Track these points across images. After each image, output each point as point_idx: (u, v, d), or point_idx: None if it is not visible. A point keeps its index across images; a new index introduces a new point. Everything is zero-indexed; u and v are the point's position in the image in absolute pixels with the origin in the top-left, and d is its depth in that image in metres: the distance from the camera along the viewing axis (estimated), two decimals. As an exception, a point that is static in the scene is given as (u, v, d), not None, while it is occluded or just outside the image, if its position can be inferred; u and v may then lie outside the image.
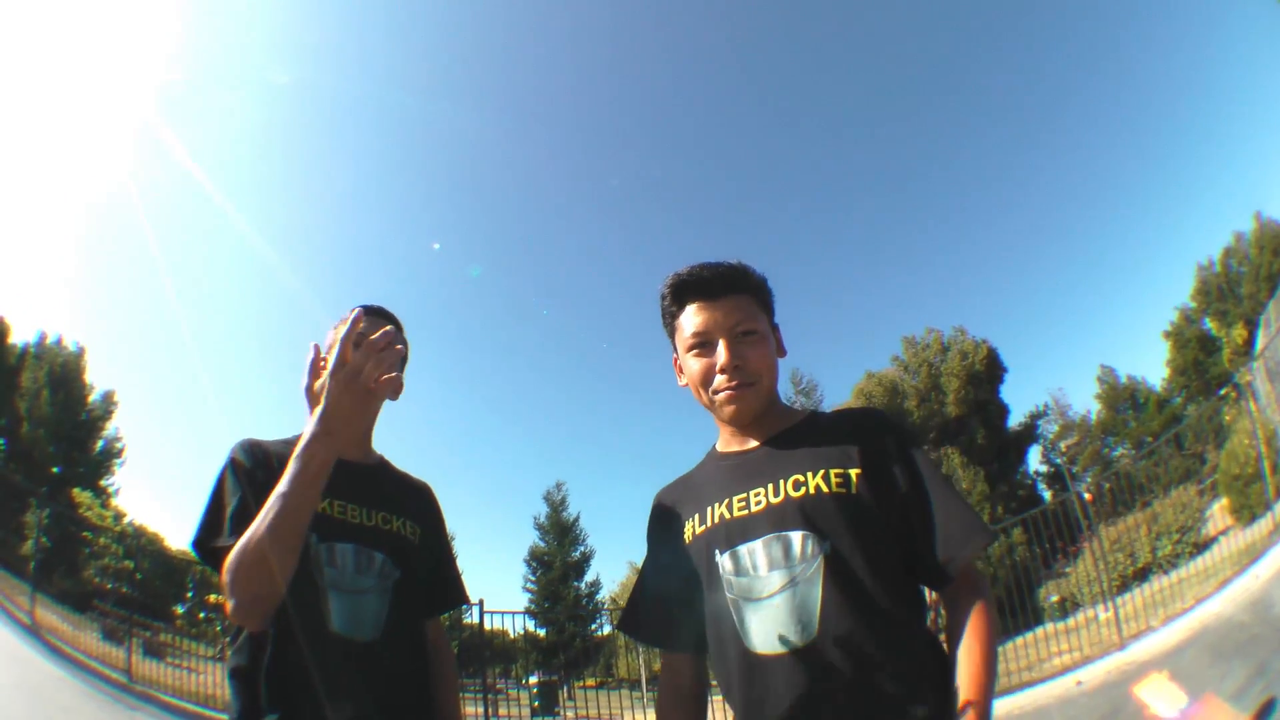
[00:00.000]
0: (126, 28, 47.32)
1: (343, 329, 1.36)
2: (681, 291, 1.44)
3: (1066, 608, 14.26)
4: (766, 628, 1.23)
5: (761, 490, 1.32)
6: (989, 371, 29.27)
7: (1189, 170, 41.15)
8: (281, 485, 1.26)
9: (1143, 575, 12.36)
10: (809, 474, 1.29)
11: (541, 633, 29.83)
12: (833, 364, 61.07)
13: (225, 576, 1.27)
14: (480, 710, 9.42)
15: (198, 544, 1.43)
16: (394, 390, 1.40)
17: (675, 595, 1.42)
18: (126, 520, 27.80)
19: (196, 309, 50.49)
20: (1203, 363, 29.59)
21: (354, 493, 1.55)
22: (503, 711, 11.85)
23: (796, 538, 1.24)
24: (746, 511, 1.31)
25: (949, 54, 47.95)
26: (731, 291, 1.41)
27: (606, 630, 30.00)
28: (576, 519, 34.52)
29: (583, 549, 33.92)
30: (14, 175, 46.55)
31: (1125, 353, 52.00)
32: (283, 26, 51.92)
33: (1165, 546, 12.92)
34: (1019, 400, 34.09)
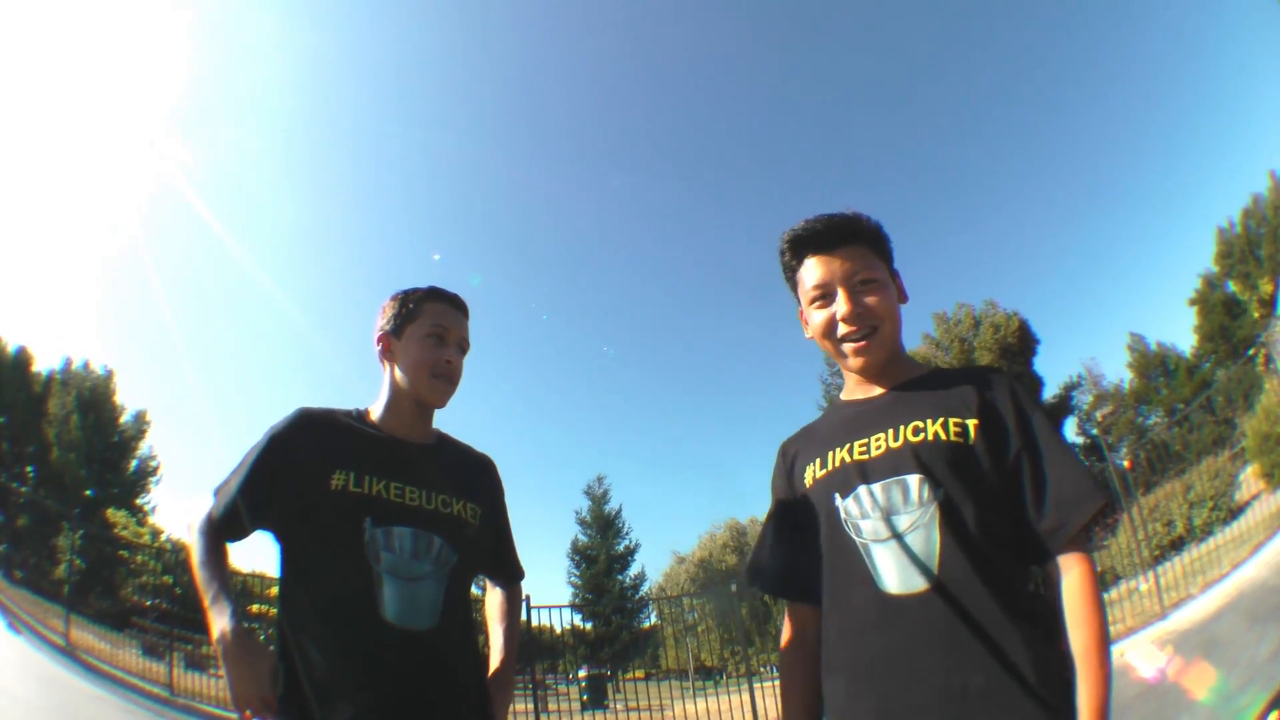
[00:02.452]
0: (141, 58, 47.83)
1: (391, 306, 1.63)
2: (798, 246, 1.46)
3: (1107, 580, 14.08)
4: (895, 569, 1.25)
5: (882, 435, 1.33)
6: (1021, 344, 28.77)
7: (1204, 135, 40.44)
8: (204, 592, 1.41)
9: (1178, 544, 12.20)
10: (928, 420, 1.30)
11: (588, 626, 29.87)
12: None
13: (196, 538, 1.47)
14: (530, 706, 9.44)
15: (219, 489, 1.53)
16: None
17: (800, 544, 1.42)
18: (164, 536, 28.23)
19: (211, 324, 51.04)
20: (1229, 327, 29.14)
21: (413, 474, 1.53)
22: (552, 706, 11.87)
23: (914, 481, 1.26)
24: (867, 455, 1.33)
25: (975, 32, 47.45)
26: (846, 242, 1.42)
27: (652, 621, 30.19)
28: (618, 512, 34.48)
29: (626, 541, 33.89)
30: (30, 202, 47.19)
31: (1153, 319, 51.46)
32: (283, 48, 52.17)
33: (1200, 514, 12.74)
34: (1053, 372, 33.66)
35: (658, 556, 47.89)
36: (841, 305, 1.39)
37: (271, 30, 48.17)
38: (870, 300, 1.39)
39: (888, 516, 1.27)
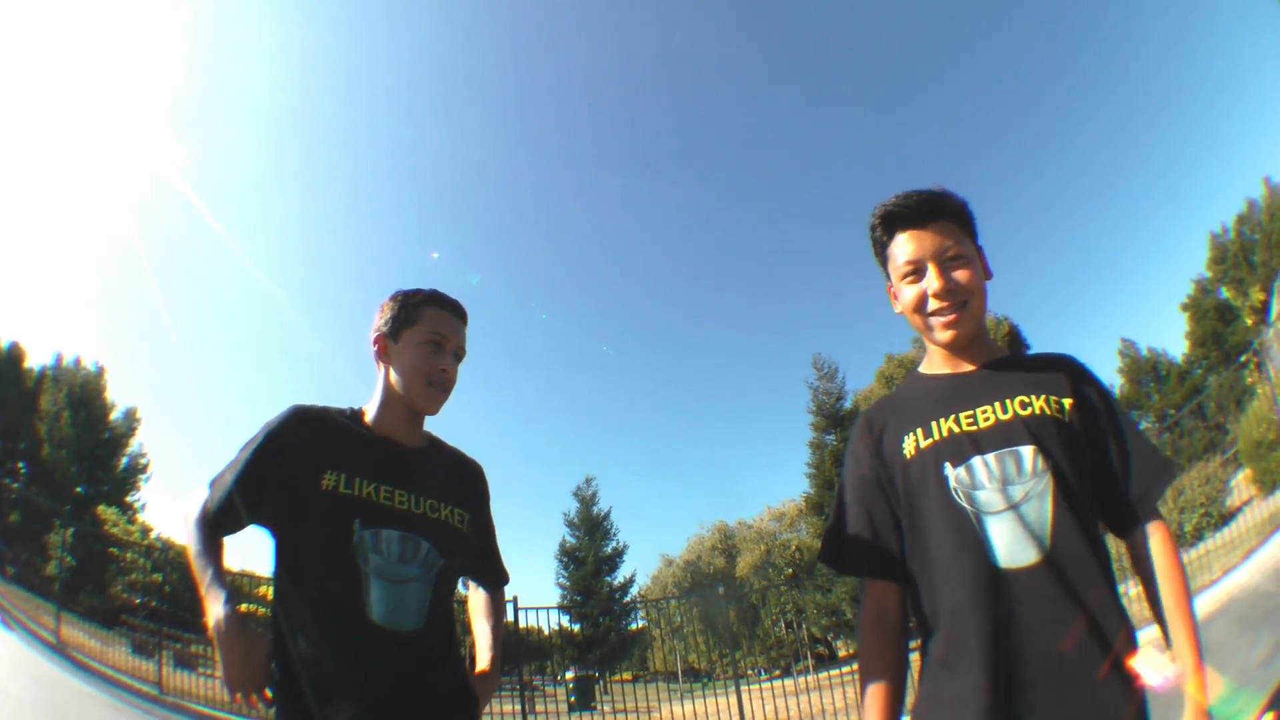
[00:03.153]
0: (134, 56, 47.64)
1: (389, 307, 1.62)
2: (890, 221, 1.47)
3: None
4: (1008, 540, 1.26)
5: (989, 408, 1.35)
6: (1011, 348, 28.46)
7: (1198, 141, 40.65)
8: (199, 580, 1.44)
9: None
10: (1032, 396, 1.34)
11: (576, 628, 29.88)
12: (853, 348, 61.25)
13: (192, 529, 1.49)
14: (517, 708, 9.43)
15: (214, 481, 1.53)
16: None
17: (884, 518, 1.41)
18: (154, 534, 28.09)
19: (203, 322, 50.87)
20: (1221, 333, 29.30)
21: (403, 478, 1.54)
22: (540, 708, 11.86)
23: (1028, 453, 1.29)
24: (975, 426, 1.34)
25: (968, 35, 47.59)
26: (937, 217, 1.44)
27: (640, 624, 30.17)
28: (607, 514, 34.58)
29: (614, 543, 33.97)
30: (24, 198, 46.98)
31: (1145, 325, 51.83)
32: (279, 47, 52.05)
33: (1191, 519, 12.78)
34: (1043, 377, 33.56)
35: (646, 559, 48.01)
36: (933, 281, 1.40)
37: (268, 27, 48.07)
38: (960, 275, 1.41)
39: (1004, 487, 1.28)
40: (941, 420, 1.38)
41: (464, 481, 1.70)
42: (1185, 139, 41.51)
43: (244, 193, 53.78)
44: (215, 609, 1.37)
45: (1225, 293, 29.62)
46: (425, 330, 1.59)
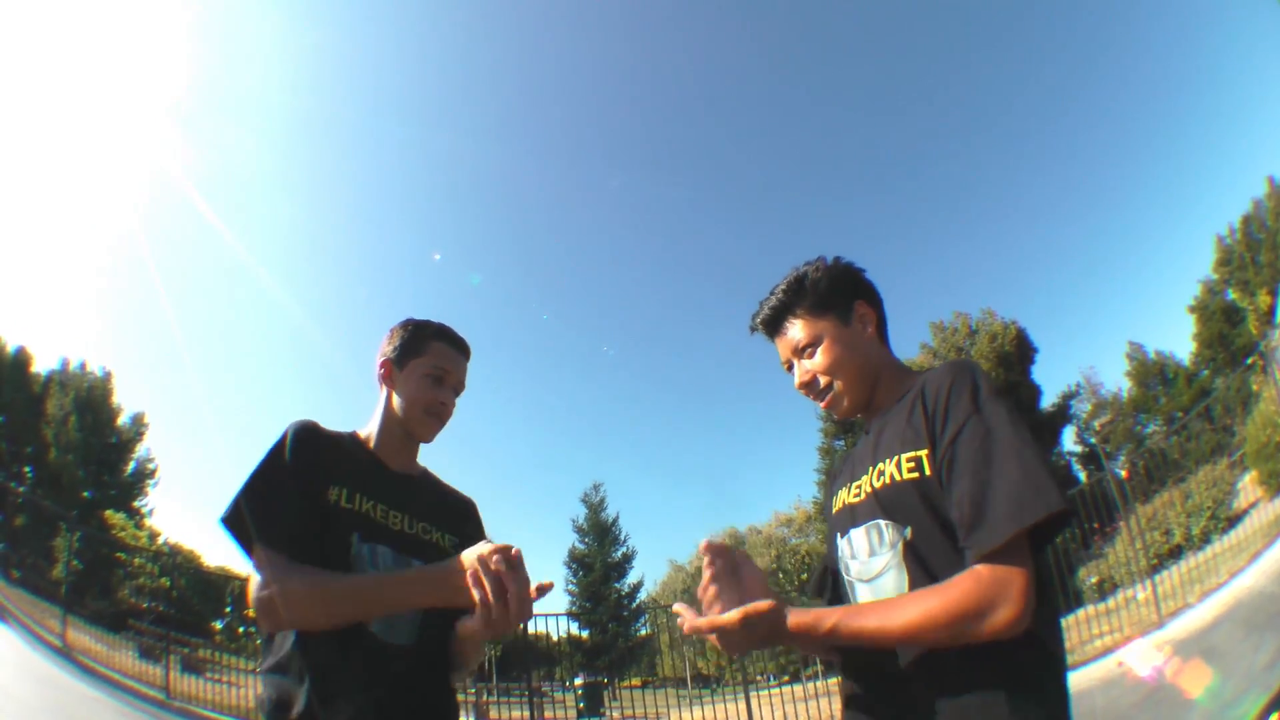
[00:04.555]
0: (139, 60, 47.93)
1: (399, 335, 1.68)
2: (759, 332, 1.58)
3: (1105, 589, 14.05)
4: None
5: (865, 477, 1.38)
6: (1019, 352, 28.80)
7: (1204, 141, 40.53)
8: (385, 585, 1.37)
9: (1176, 553, 12.20)
10: (887, 461, 1.32)
11: (584, 634, 29.87)
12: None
13: (280, 593, 1.32)
14: (526, 714, 9.45)
15: (231, 520, 1.40)
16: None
17: (835, 569, 1.51)
18: (161, 539, 28.19)
19: (211, 326, 51.07)
20: (1228, 335, 29.15)
21: (398, 500, 1.60)
22: (548, 714, 11.89)
23: (885, 525, 1.30)
24: (858, 497, 1.38)
25: (972, 41, 47.59)
26: (779, 325, 1.53)
27: (648, 630, 30.14)
28: (615, 519, 34.57)
29: (623, 549, 33.97)
30: (30, 201, 47.24)
31: (1152, 328, 51.59)
32: (286, 49, 52.30)
33: (1199, 522, 12.73)
34: (1050, 381, 33.34)
35: (654, 564, 47.86)
36: (795, 378, 1.50)
37: (272, 29, 48.28)
38: (815, 364, 1.46)
39: (869, 558, 1.33)
40: (842, 490, 1.47)
41: (456, 510, 1.78)
42: (1187, 140, 41.28)
43: (250, 195, 53.97)
44: (422, 576, 1.35)
45: (1232, 294, 29.47)
46: (430, 363, 1.66)
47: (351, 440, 1.66)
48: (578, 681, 16.60)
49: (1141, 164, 43.68)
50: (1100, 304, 48.03)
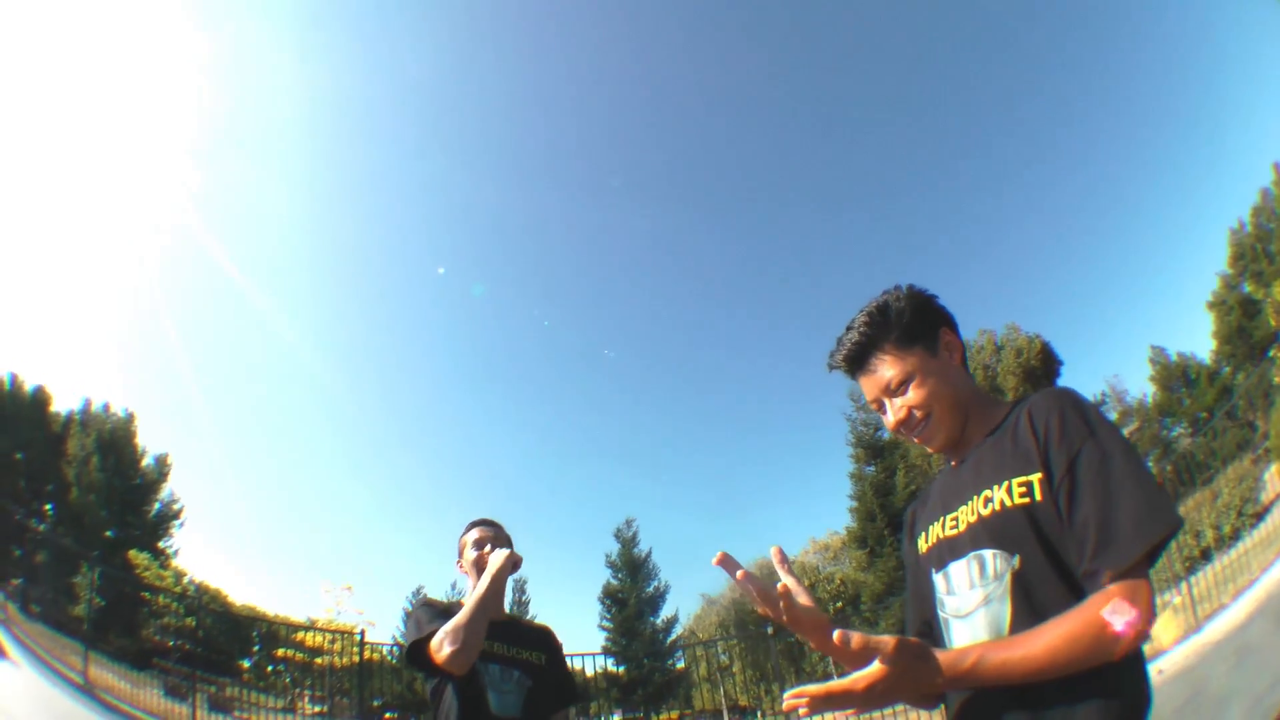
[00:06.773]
0: (158, 100, 48.72)
1: (471, 538, 2.57)
2: (840, 370, 1.54)
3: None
4: (964, 644, 1.26)
5: (964, 509, 1.35)
6: (1045, 366, 28.83)
7: (1210, 137, 40.29)
8: (481, 591, 2.27)
9: (1207, 554, 12.05)
10: (995, 487, 1.29)
11: (620, 670, 29.82)
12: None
13: (441, 638, 2.13)
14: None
15: (413, 647, 2.24)
16: (515, 565, 2.39)
17: (928, 609, 1.46)
18: (187, 579, 28.27)
19: (229, 371, 51.50)
20: (1246, 327, 28.86)
21: (501, 636, 2.42)
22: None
23: (989, 555, 1.27)
24: (957, 531, 1.35)
25: (976, 48, 47.75)
26: (865, 363, 1.48)
27: (682, 664, 30.14)
28: (648, 554, 34.57)
29: (656, 583, 33.98)
30: (51, 240, 47.95)
31: (1173, 329, 51.07)
32: (298, 88, 53.04)
33: (1229, 520, 12.57)
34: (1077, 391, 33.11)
35: (688, 600, 47.35)
36: (889, 418, 1.46)
37: (287, 70, 48.88)
38: (910, 400, 1.42)
39: (969, 590, 1.29)
40: (934, 525, 1.43)
41: (537, 637, 2.59)
42: (1191, 135, 41.00)
43: (265, 234, 54.18)
44: (483, 580, 2.32)
45: (1248, 287, 29.22)
46: (472, 540, 2.57)
47: (459, 605, 2.44)
48: (615, 719, 16.47)
49: (1148, 165, 43.45)
50: (1121, 310, 47.72)
